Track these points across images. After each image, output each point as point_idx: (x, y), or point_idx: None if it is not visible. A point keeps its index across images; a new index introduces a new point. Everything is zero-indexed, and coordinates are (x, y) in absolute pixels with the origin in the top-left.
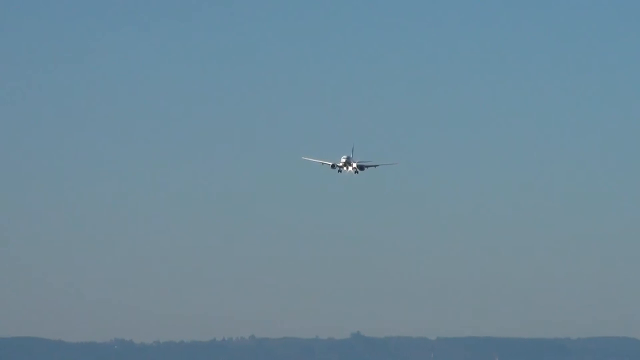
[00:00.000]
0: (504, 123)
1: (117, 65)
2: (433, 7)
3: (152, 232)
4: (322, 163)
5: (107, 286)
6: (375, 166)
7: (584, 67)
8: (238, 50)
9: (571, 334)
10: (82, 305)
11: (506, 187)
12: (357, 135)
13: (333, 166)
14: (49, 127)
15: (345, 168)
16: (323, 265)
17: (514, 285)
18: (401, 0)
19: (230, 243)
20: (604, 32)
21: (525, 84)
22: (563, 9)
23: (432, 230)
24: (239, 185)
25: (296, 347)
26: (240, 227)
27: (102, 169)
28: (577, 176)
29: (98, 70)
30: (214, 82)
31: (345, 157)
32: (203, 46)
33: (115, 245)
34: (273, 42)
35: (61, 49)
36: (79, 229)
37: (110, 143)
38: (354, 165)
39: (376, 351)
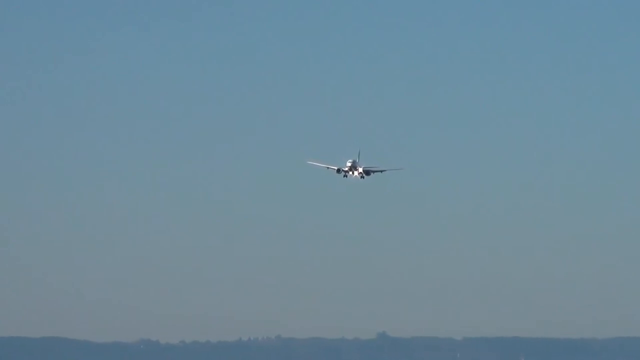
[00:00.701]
0: (508, 124)
1: (117, 65)
2: (434, 7)
3: (172, 232)
4: (328, 167)
5: (134, 287)
6: (381, 171)
7: (584, 67)
8: (239, 50)
9: (598, 334)
10: (108, 306)
11: (523, 185)
12: (364, 139)
13: (338, 171)
14: (49, 127)
15: (350, 173)
16: (349, 266)
17: (541, 286)
18: (403, 0)
19: (256, 244)
20: (604, 32)
21: (525, 84)
22: (563, 9)
23: (454, 231)
24: (254, 185)
25: (322, 347)
26: (262, 228)
27: (102, 169)
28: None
29: (98, 70)
30: (214, 82)
31: (350, 161)
32: (203, 46)
33: (138, 246)
34: (274, 43)
35: (61, 49)
36: (94, 228)
37: (110, 143)
38: (360, 170)
39: (402, 351)
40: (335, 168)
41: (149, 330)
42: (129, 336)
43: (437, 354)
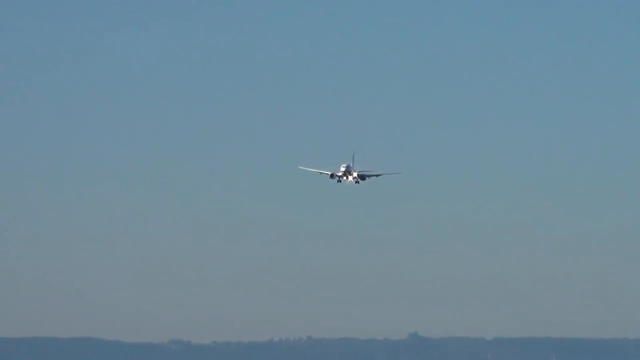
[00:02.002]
0: (507, 124)
1: (117, 65)
2: (433, 7)
3: (200, 232)
4: (320, 172)
5: (165, 287)
6: (377, 175)
7: (583, 67)
8: (238, 50)
9: (629, 334)
10: (140, 306)
11: (535, 183)
12: (358, 143)
13: (332, 176)
14: (49, 127)
15: (345, 178)
16: (380, 266)
17: (573, 285)
18: (401, 0)
19: (286, 247)
20: (604, 32)
21: (524, 84)
22: (563, 9)
23: (482, 231)
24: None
25: (353, 348)
26: (287, 231)
27: (102, 169)
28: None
29: (98, 70)
30: (214, 82)
31: (345, 165)
32: (203, 46)
33: (167, 246)
34: (274, 43)
35: (61, 49)
36: (101, 228)
37: (110, 143)
38: (355, 174)
39: (433, 351)
40: (329, 173)
41: (180, 330)
42: (160, 336)
43: (467, 354)
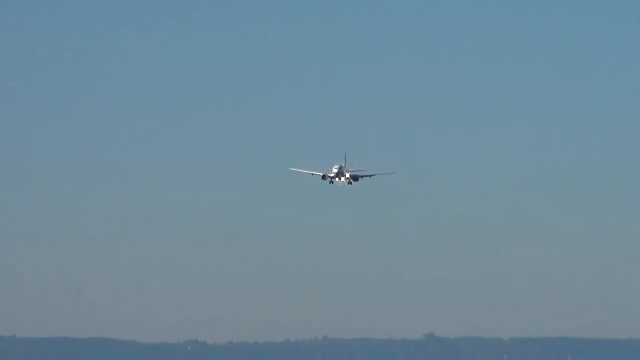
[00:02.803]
0: (506, 124)
1: (117, 65)
2: (430, 7)
3: (216, 232)
4: (312, 174)
5: (180, 287)
6: (370, 176)
7: (584, 67)
8: (238, 50)
9: None
10: (155, 306)
11: (550, 182)
12: (350, 143)
13: (324, 177)
14: (49, 127)
15: (337, 179)
16: (395, 266)
17: (588, 285)
18: (394, 0)
19: (299, 248)
20: (604, 32)
21: (524, 84)
22: (563, 9)
23: (502, 231)
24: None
25: (369, 348)
26: (306, 231)
27: (102, 169)
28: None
29: (98, 70)
30: (214, 82)
31: (337, 166)
32: (203, 46)
33: (181, 246)
34: (271, 43)
35: (61, 49)
36: (102, 228)
37: (110, 143)
38: (347, 175)
39: (449, 352)
40: (320, 174)
41: (195, 330)
42: (176, 337)
43: (484, 354)
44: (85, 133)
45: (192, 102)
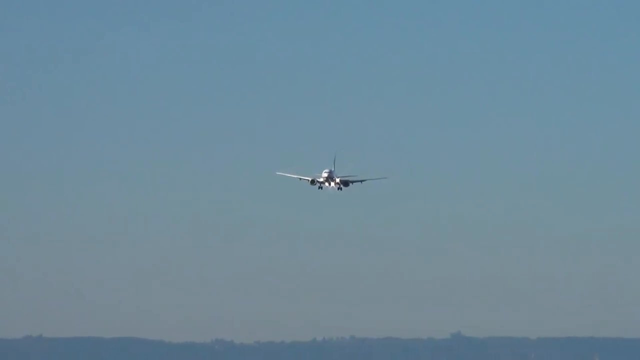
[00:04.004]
0: (503, 124)
1: (117, 65)
2: (428, 7)
3: (241, 233)
4: (300, 179)
5: (208, 286)
6: (361, 181)
7: (584, 67)
8: (239, 50)
9: None
10: (182, 306)
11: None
12: (339, 147)
13: (313, 182)
14: (49, 127)
15: (327, 184)
16: (424, 266)
17: (616, 285)
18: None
19: (327, 247)
20: (604, 32)
21: (524, 84)
22: (563, 9)
23: (529, 230)
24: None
25: (396, 347)
26: (332, 232)
27: (102, 169)
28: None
29: (98, 70)
30: (214, 82)
31: (327, 171)
32: (203, 46)
33: (206, 245)
34: (275, 43)
35: (61, 48)
36: (103, 228)
37: (110, 143)
38: (337, 180)
39: (476, 351)
40: (309, 179)
41: (223, 330)
42: (203, 336)
43: (511, 353)
44: (85, 133)
45: (190, 103)
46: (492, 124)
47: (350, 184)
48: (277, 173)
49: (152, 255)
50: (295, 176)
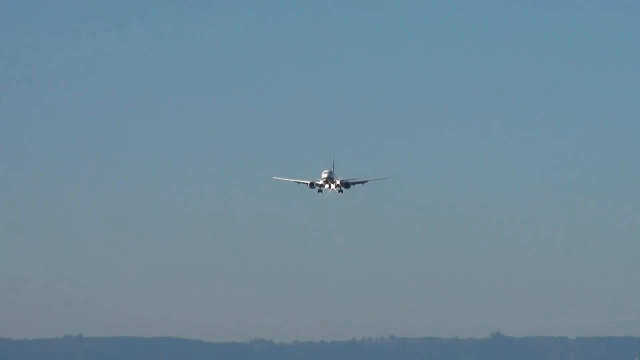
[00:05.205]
0: (503, 124)
1: (117, 65)
2: (428, 7)
3: (282, 236)
4: (298, 182)
5: (247, 287)
6: (363, 182)
7: (585, 67)
8: (239, 50)
9: None
10: (223, 305)
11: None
12: (337, 148)
13: (312, 185)
14: (49, 127)
15: (327, 186)
16: (464, 266)
17: None
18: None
19: (367, 247)
20: (604, 32)
21: (524, 84)
22: (563, 9)
23: (566, 231)
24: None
25: (436, 347)
26: (371, 234)
27: (102, 169)
28: None
29: (98, 70)
30: (211, 82)
31: (327, 172)
32: (203, 46)
33: (247, 247)
34: (272, 42)
35: (61, 48)
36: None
37: (110, 143)
38: (338, 182)
39: (515, 351)
40: (308, 182)
41: (263, 330)
42: (243, 336)
43: (550, 353)
44: (85, 133)
45: (192, 102)
46: (490, 124)
47: (352, 186)
48: (274, 178)
49: (192, 258)
50: (293, 180)
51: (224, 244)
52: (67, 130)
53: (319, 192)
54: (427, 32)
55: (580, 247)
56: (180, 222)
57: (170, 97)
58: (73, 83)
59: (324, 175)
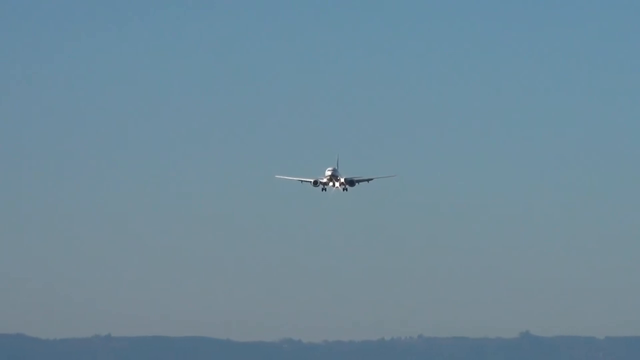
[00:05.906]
0: (504, 125)
1: (117, 65)
2: (429, 7)
3: (310, 236)
4: (302, 181)
5: (276, 285)
6: (368, 180)
7: (584, 68)
8: (239, 50)
9: None
10: (252, 305)
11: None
12: (340, 146)
13: (315, 183)
14: (49, 127)
15: (331, 184)
16: (492, 266)
17: None
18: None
19: (396, 247)
20: (604, 32)
21: (524, 84)
22: (563, 9)
23: (593, 230)
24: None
25: (465, 347)
26: (400, 234)
27: (102, 169)
28: None
29: (98, 70)
30: (211, 82)
31: (330, 169)
32: (203, 46)
33: (277, 248)
34: (265, 44)
35: (61, 48)
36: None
37: (110, 143)
38: (342, 180)
39: (545, 350)
40: (311, 180)
41: (291, 329)
42: (272, 335)
43: (579, 353)
44: (85, 133)
45: (192, 102)
46: (491, 125)
47: (357, 184)
48: (277, 176)
49: (218, 257)
50: (296, 178)
51: (247, 244)
52: (67, 130)
53: (322, 190)
54: (427, 32)
55: (610, 247)
56: (193, 222)
57: (170, 97)
58: (73, 83)
59: (328, 173)
